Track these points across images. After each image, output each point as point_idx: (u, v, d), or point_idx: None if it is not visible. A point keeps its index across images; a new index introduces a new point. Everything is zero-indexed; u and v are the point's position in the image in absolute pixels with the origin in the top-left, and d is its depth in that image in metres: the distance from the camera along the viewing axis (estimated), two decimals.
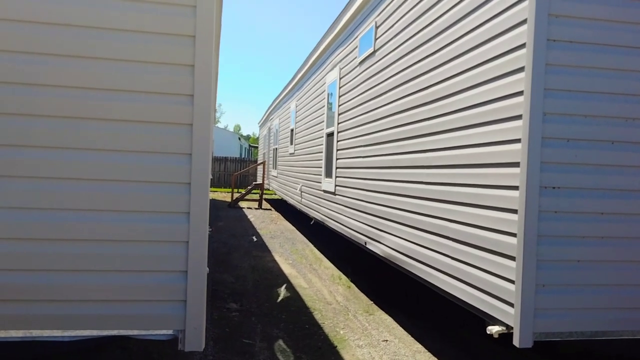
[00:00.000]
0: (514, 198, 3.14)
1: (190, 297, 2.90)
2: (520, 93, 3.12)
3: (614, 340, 3.35)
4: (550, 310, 3.12)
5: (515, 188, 3.13)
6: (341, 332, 4.79)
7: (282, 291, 6.21)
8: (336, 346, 4.41)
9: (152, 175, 2.87)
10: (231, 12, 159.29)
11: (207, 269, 3.03)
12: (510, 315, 3.13)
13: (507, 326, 3.20)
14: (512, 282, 3.12)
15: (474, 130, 3.63)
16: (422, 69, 4.57)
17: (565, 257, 3.13)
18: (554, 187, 3.11)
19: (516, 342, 3.08)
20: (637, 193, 3.21)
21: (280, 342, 4.46)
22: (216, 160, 28.94)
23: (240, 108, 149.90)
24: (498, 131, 3.34)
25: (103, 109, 2.83)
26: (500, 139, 3.32)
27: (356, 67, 6.80)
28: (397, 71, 5.20)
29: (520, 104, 3.11)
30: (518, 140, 3.12)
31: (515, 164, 3.14)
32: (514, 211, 3.14)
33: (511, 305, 3.12)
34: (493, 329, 3.29)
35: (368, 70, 6.23)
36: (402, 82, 5.03)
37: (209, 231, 3.23)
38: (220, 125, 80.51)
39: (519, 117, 3.12)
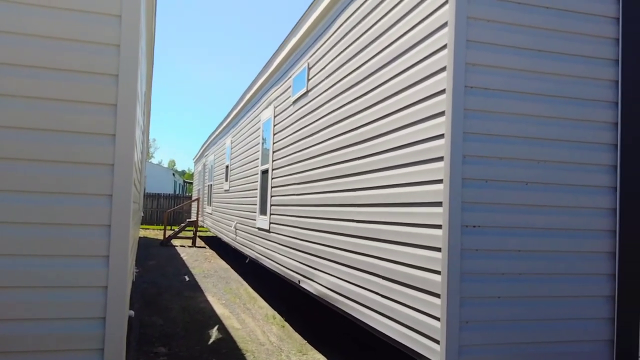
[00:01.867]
0: (438, 237, 3.24)
1: (108, 346, 2.75)
2: (441, 136, 3.26)
3: None
4: (474, 347, 3.19)
5: (439, 227, 3.24)
6: None
7: (214, 333, 6.01)
8: None
9: (69, 218, 2.75)
10: (166, 45, 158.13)
11: (132, 312, 2.90)
12: (436, 352, 3.18)
13: None
14: (438, 319, 3.18)
15: (401, 171, 3.74)
16: (352, 110, 4.70)
17: (486, 293, 3.24)
18: (474, 226, 3.24)
19: None
20: (550, 231, 3.40)
21: None
22: (149, 196, 27.97)
23: (175, 143, 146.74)
24: (422, 172, 3.46)
25: (18, 147, 2.70)
26: (424, 180, 3.44)
27: (290, 106, 6.88)
28: (329, 111, 5.31)
29: (441, 147, 3.25)
30: (440, 181, 3.24)
31: (438, 204, 3.25)
32: (438, 249, 3.23)
33: (437, 342, 3.18)
34: None
35: (301, 110, 6.32)
36: (334, 122, 5.14)
37: (136, 272, 3.10)
38: (154, 160, 78.29)
39: (440, 159, 3.25)
